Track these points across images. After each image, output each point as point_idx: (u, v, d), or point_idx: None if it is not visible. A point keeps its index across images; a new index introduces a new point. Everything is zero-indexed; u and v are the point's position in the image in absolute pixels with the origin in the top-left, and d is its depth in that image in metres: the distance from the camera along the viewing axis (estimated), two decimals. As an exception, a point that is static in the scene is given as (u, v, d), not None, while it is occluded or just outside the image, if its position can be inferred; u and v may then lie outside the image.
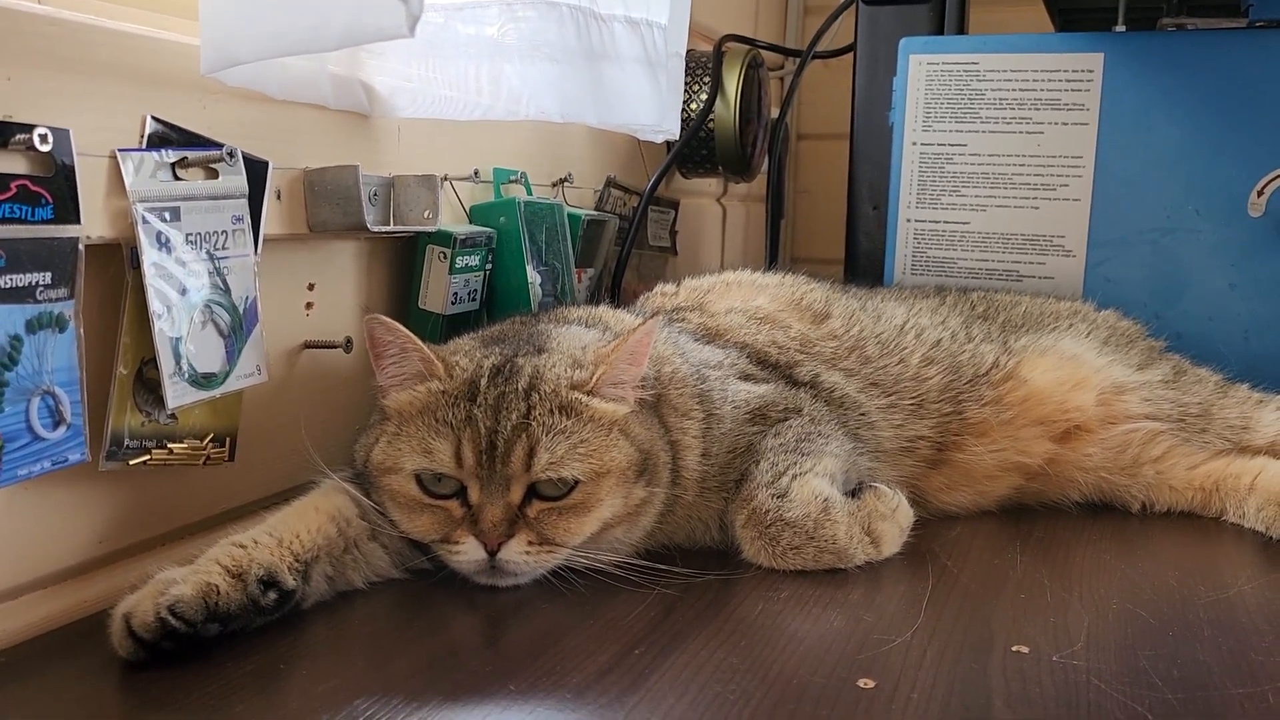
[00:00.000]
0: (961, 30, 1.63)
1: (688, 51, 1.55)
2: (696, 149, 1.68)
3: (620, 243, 1.50)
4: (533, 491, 0.87)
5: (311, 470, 0.93)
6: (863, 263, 1.64)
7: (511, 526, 0.86)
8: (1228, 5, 1.48)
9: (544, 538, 0.87)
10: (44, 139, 0.70)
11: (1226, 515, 1.10)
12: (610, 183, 1.53)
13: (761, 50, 1.78)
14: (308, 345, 1.04)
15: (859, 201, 1.65)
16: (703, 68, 1.67)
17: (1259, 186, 1.38)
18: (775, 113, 1.85)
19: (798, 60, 1.86)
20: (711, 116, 1.66)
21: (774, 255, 1.88)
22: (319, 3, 0.71)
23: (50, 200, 0.72)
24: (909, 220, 1.53)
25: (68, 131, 0.73)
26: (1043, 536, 1.06)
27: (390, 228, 1.03)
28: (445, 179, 1.13)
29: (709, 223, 2.00)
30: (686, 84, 1.61)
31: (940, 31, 1.60)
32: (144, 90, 0.81)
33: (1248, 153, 1.37)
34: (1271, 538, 1.04)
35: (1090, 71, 1.44)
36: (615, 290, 1.48)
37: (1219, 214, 1.38)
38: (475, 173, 1.18)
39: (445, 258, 1.11)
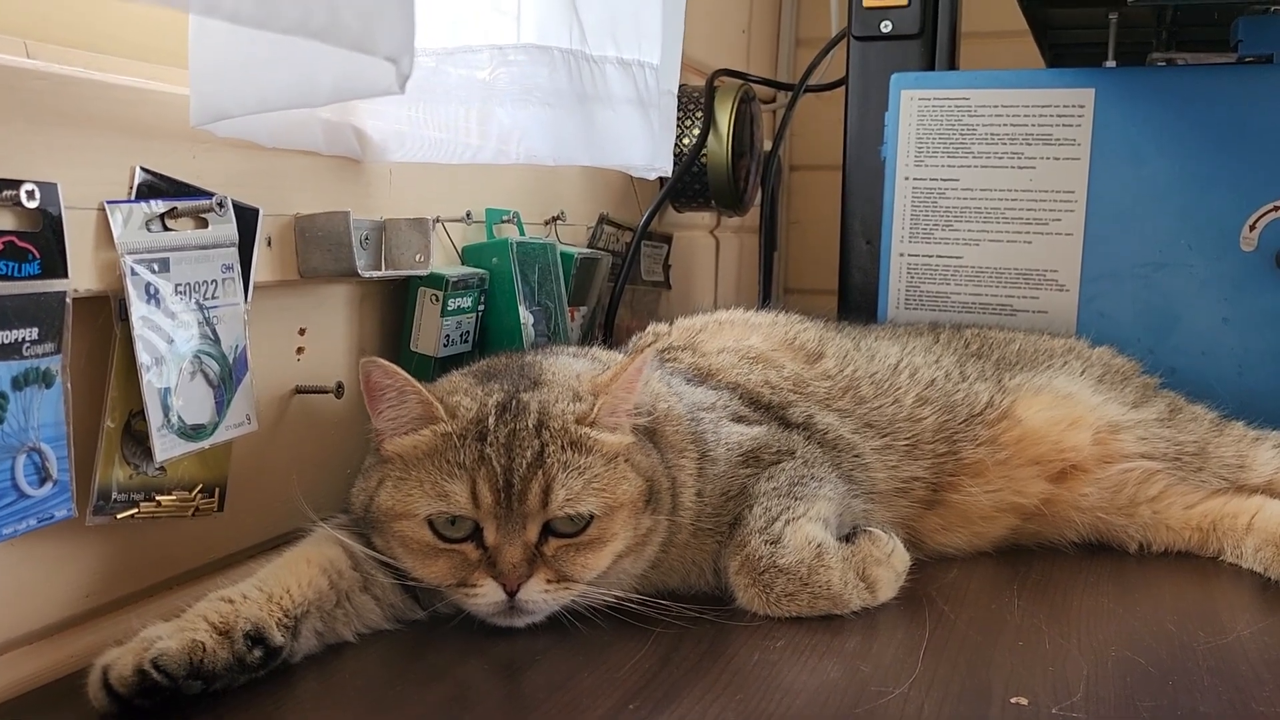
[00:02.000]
0: (953, 65, 1.64)
1: (680, 87, 1.56)
2: (689, 184, 1.68)
3: (614, 279, 1.50)
4: (547, 529, 0.87)
5: (303, 517, 0.92)
6: (856, 297, 1.63)
7: (530, 566, 0.85)
8: (1217, 40, 1.49)
9: (561, 574, 0.86)
10: (31, 195, 0.70)
11: (1224, 555, 1.09)
12: (603, 220, 1.53)
13: (754, 84, 1.79)
14: (299, 390, 1.03)
15: (852, 236, 1.65)
16: (695, 103, 1.67)
17: (1250, 221, 1.38)
18: (768, 145, 1.86)
19: (790, 93, 1.87)
20: (704, 151, 1.66)
21: (767, 288, 1.88)
22: (309, 60, 0.71)
23: (37, 255, 0.72)
24: (902, 255, 1.53)
25: (55, 185, 0.73)
26: (1040, 579, 1.05)
27: (382, 273, 1.02)
28: (437, 221, 1.13)
29: (702, 255, 2.00)
30: (679, 119, 1.61)
31: (931, 66, 1.61)
32: (133, 141, 0.81)
33: (1239, 187, 1.37)
34: (1270, 579, 1.04)
35: (1081, 107, 1.44)
36: (609, 327, 1.48)
37: (1211, 248, 1.39)
38: (467, 214, 1.17)
39: (437, 300, 1.11)
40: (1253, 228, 1.39)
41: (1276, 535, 1.05)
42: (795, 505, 0.96)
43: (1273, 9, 1.36)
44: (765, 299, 1.87)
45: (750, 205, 1.78)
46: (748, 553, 0.93)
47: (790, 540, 0.92)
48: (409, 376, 0.88)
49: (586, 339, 1.41)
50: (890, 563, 0.96)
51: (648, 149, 1.23)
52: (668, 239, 1.74)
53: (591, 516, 0.87)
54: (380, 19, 0.63)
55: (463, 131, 1.05)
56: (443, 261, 1.16)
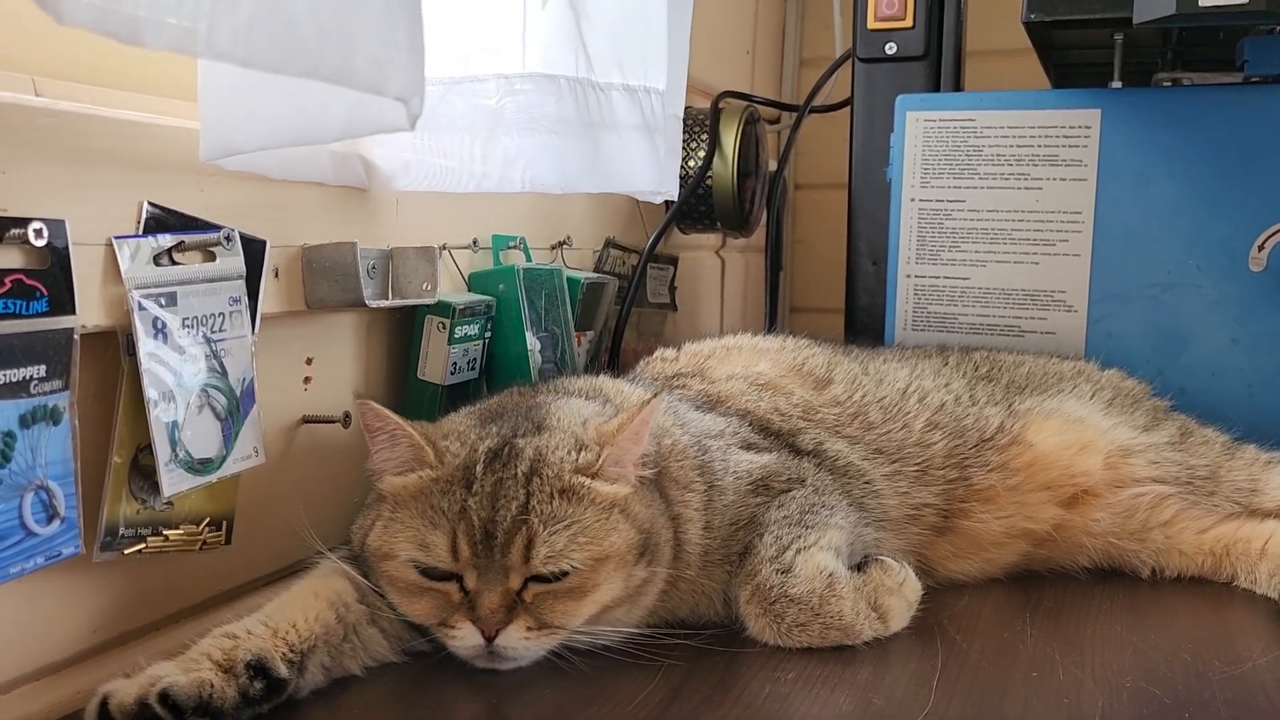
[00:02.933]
0: (958, 86, 1.64)
1: (685, 109, 1.55)
2: (695, 206, 1.68)
3: (620, 302, 1.50)
4: (532, 576, 0.85)
5: (310, 547, 0.92)
6: (863, 318, 1.63)
7: (509, 613, 0.84)
8: (1223, 60, 1.49)
9: (542, 622, 0.85)
10: (39, 233, 0.70)
11: (1238, 581, 1.09)
12: (609, 243, 1.53)
13: (758, 105, 1.79)
14: (306, 420, 1.03)
15: (858, 257, 1.65)
16: (700, 125, 1.67)
17: (1259, 241, 1.38)
18: (773, 166, 1.86)
19: (795, 113, 1.87)
20: (709, 174, 1.66)
21: (774, 308, 1.87)
22: (319, 98, 0.71)
23: (45, 293, 0.71)
24: (909, 276, 1.53)
25: (63, 222, 0.73)
26: (1052, 606, 1.04)
27: (389, 302, 1.02)
28: (444, 248, 1.13)
29: (708, 276, 2.00)
30: (684, 141, 1.61)
31: (936, 88, 1.61)
32: (141, 176, 0.81)
33: (1246, 207, 1.37)
34: (1284, 605, 1.03)
35: (1088, 128, 1.44)
36: (615, 351, 1.47)
37: (1219, 269, 1.38)
38: (474, 242, 1.17)
39: (444, 328, 1.10)
40: (1261, 248, 1.38)
41: (1291, 561, 1.04)
42: (806, 534, 0.95)
43: (1279, 30, 1.36)
44: (771, 319, 1.86)
45: (756, 226, 1.78)
46: (758, 582, 0.93)
47: (801, 570, 0.92)
48: (400, 420, 0.87)
49: (592, 363, 1.41)
50: (902, 592, 0.95)
51: (654, 174, 1.23)
52: (673, 260, 1.74)
53: (575, 567, 0.85)
54: (391, 63, 0.63)
55: (469, 160, 1.05)
56: (450, 288, 1.16)
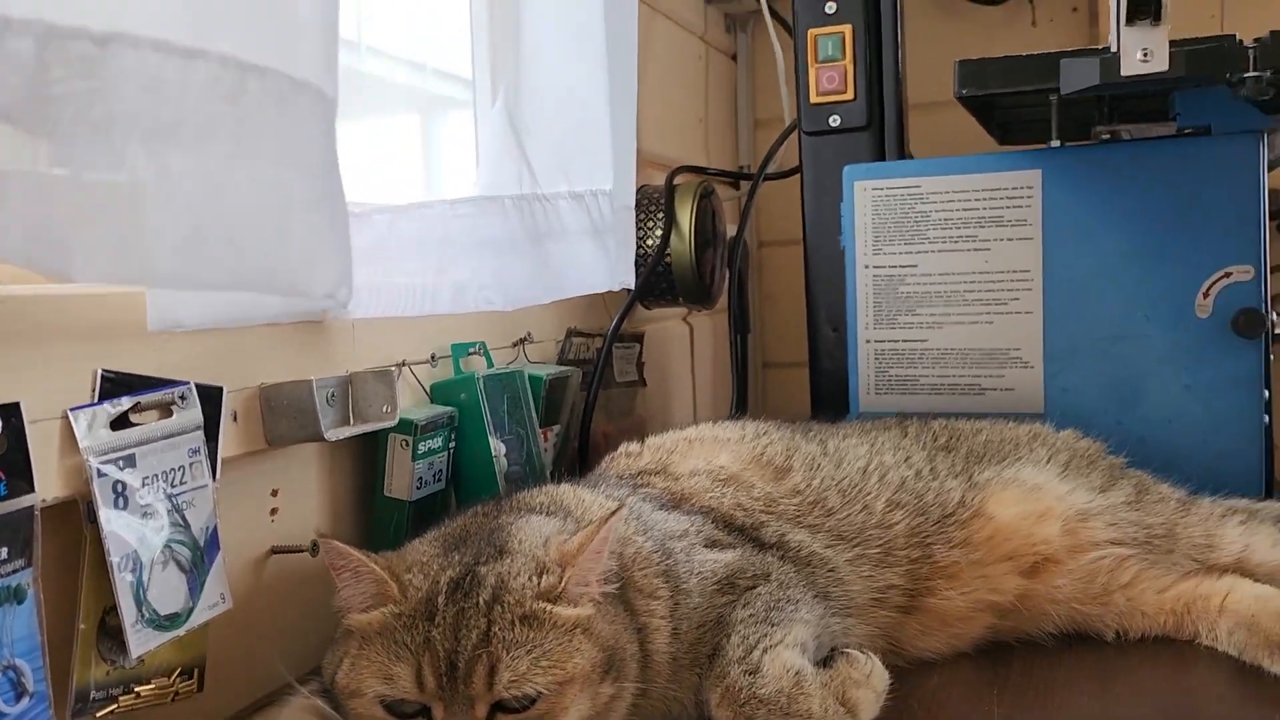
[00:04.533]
0: (903, 151, 1.68)
1: (640, 188, 1.59)
2: (656, 282, 1.71)
3: (586, 387, 1.52)
4: (498, 705, 0.87)
5: (281, 678, 0.93)
6: (827, 384, 1.66)
7: None
8: (1158, 110, 1.53)
9: None
10: (-7, 425, 0.72)
11: (1200, 638, 1.10)
12: (571, 333, 1.55)
13: (713, 177, 1.82)
14: (274, 551, 1.05)
15: (818, 325, 1.68)
16: (655, 203, 1.70)
17: (1204, 289, 1.41)
18: (733, 230, 1.89)
19: (750, 181, 1.90)
20: (668, 252, 1.69)
21: (742, 376, 1.90)
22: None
23: (3, 476, 0.73)
24: (869, 341, 1.56)
25: (18, 404, 0.75)
26: (1019, 680, 1.06)
27: (350, 430, 1.04)
28: (403, 364, 1.15)
29: (677, 345, 2.02)
30: (640, 220, 1.64)
31: (882, 155, 1.65)
32: (94, 345, 0.83)
33: (1189, 257, 1.41)
34: (1245, 662, 1.05)
35: (1029, 188, 1.48)
36: (584, 439, 1.49)
37: (1167, 318, 1.42)
38: (432, 357, 1.20)
39: (407, 445, 1.12)
40: (1206, 295, 1.42)
41: (1247, 618, 1.07)
42: (772, 632, 0.97)
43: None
44: (740, 387, 1.89)
45: (719, 297, 1.81)
46: (727, 684, 0.94)
47: (769, 669, 0.93)
48: (362, 556, 0.89)
49: (560, 456, 1.43)
50: (870, 683, 0.96)
51: (605, 273, 1.26)
52: (639, 337, 1.76)
53: (540, 693, 0.86)
54: (318, 268, 0.66)
55: (421, 284, 1.07)
56: (412, 402, 1.18)
